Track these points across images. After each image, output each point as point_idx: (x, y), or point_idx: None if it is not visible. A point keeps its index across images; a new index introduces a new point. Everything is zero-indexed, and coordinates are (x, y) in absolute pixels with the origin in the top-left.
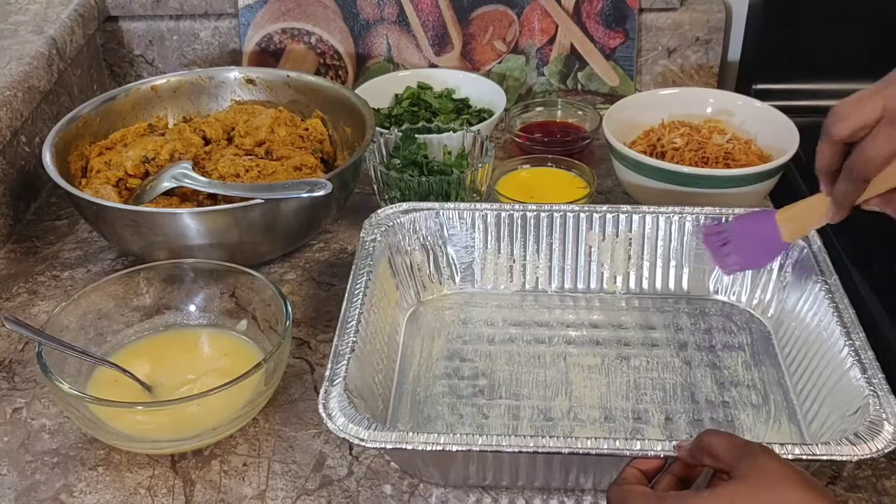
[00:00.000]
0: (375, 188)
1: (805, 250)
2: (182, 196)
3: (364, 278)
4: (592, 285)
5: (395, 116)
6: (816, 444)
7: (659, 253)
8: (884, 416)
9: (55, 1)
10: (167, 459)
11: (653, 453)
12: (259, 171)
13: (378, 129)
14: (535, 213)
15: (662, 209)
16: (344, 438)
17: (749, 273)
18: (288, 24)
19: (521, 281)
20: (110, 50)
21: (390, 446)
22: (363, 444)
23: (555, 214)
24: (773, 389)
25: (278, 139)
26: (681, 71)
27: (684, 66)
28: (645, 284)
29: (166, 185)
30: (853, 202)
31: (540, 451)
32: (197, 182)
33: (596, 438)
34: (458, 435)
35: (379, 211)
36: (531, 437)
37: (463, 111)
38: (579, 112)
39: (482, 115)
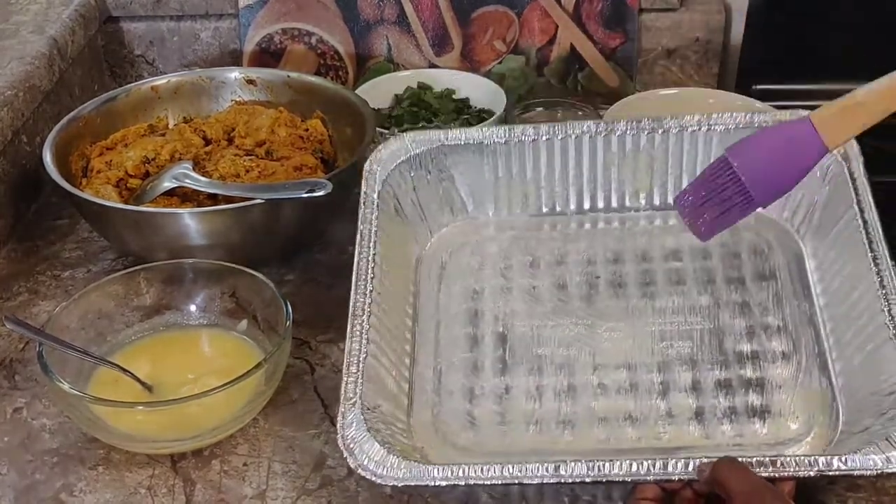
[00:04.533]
0: None
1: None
2: (182, 196)
3: (370, 246)
4: (614, 203)
5: (395, 117)
6: (839, 457)
7: (684, 167)
8: None
9: (56, 1)
10: (167, 459)
11: (676, 478)
12: (259, 172)
13: (378, 129)
14: (548, 135)
15: (686, 122)
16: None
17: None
18: (288, 25)
19: (538, 205)
20: (111, 50)
21: (414, 483)
22: (396, 483)
23: (570, 137)
24: (805, 330)
25: (278, 139)
26: (681, 71)
27: (684, 67)
28: (669, 199)
29: (167, 185)
30: None
31: (563, 481)
32: (197, 182)
33: (621, 463)
34: (491, 466)
35: (381, 147)
36: (553, 463)
37: (463, 111)
38: (579, 112)
39: (482, 115)
